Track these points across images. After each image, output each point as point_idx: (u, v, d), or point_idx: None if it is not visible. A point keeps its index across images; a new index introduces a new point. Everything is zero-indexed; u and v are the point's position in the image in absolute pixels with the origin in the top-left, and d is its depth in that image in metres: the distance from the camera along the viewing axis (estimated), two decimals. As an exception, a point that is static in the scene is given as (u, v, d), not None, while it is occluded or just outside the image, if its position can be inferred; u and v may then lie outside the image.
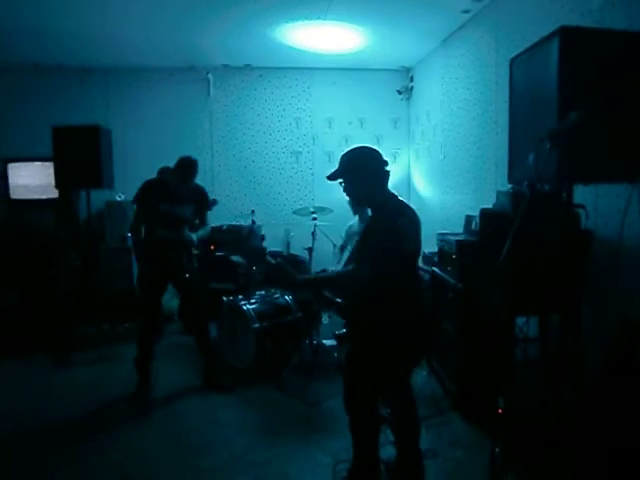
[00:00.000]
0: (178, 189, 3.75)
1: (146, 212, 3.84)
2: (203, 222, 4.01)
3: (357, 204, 2.55)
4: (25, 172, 5.76)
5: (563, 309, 2.32)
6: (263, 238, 5.44)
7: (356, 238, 4.51)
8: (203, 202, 3.98)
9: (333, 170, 2.43)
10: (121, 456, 3.05)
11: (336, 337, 4.18)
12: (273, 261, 2.49)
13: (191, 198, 3.86)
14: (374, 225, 2.42)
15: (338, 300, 2.55)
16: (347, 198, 2.52)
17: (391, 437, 2.69)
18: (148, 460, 3.02)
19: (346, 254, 4.77)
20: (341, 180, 2.43)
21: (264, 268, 2.71)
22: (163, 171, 5.11)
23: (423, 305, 2.53)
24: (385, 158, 2.45)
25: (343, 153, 2.46)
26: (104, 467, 2.95)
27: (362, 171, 2.38)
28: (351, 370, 2.58)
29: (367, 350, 2.41)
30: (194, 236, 3.80)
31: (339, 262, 4.74)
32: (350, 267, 2.41)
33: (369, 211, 2.56)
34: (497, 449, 2.17)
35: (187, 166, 3.72)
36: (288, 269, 2.41)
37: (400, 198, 2.49)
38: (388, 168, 2.45)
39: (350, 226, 4.81)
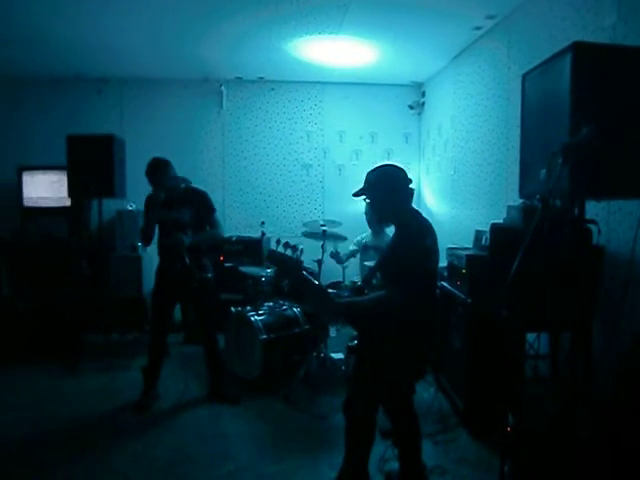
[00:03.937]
0: (167, 193, 3.77)
1: (152, 224, 3.87)
2: (212, 227, 3.95)
3: (381, 221, 2.54)
4: (39, 180, 5.82)
5: (574, 325, 2.30)
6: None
7: (371, 252, 4.56)
8: (202, 205, 3.90)
9: (359, 188, 2.48)
10: (126, 465, 3.04)
11: (349, 349, 4.17)
12: (315, 282, 2.39)
13: (186, 201, 3.84)
14: (401, 244, 2.43)
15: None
16: (365, 215, 2.54)
17: (395, 451, 2.68)
18: (154, 470, 3.01)
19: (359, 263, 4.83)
20: (365, 197, 2.46)
21: (299, 284, 2.52)
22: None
23: (435, 323, 2.53)
24: (410, 176, 2.49)
25: (369, 171, 2.49)
26: (109, 476, 2.94)
27: (387, 189, 2.42)
28: (356, 377, 2.61)
29: (374, 359, 2.42)
30: (185, 239, 3.70)
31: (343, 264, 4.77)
32: (382, 292, 2.37)
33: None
34: (506, 467, 2.15)
35: (152, 166, 3.78)
36: (328, 293, 2.40)
37: (423, 215, 2.53)
38: (412, 186, 2.49)
39: (361, 240, 4.83)
